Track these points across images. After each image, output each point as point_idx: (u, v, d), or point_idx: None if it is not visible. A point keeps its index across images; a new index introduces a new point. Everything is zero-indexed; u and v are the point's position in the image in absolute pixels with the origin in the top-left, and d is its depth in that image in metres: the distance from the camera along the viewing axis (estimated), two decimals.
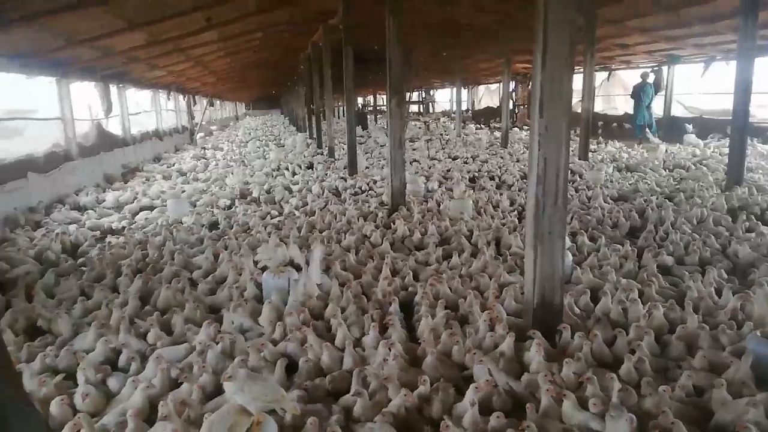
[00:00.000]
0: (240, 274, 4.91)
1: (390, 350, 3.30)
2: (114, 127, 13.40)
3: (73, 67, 9.99)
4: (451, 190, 8.86)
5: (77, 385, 3.11)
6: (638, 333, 3.58)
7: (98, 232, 7.11)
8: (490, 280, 4.72)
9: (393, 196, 7.61)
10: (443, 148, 15.82)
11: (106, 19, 7.67)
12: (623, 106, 20.14)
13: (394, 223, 6.74)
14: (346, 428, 2.78)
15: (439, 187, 9.37)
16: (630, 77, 19.50)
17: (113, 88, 12.80)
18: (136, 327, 3.97)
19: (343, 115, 21.10)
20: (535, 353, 3.27)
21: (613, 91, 21.33)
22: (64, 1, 6.20)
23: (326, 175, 11.20)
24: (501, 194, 8.45)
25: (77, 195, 9.43)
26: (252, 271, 4.96)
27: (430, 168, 11.76)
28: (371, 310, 4.05)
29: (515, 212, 7.50)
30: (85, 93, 11.75)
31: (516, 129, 21.27)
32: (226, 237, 6.23)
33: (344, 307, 4.20)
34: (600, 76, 20.15)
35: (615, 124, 19.44)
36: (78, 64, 10.04)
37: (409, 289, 4.61)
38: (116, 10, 7.36)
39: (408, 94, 23.21)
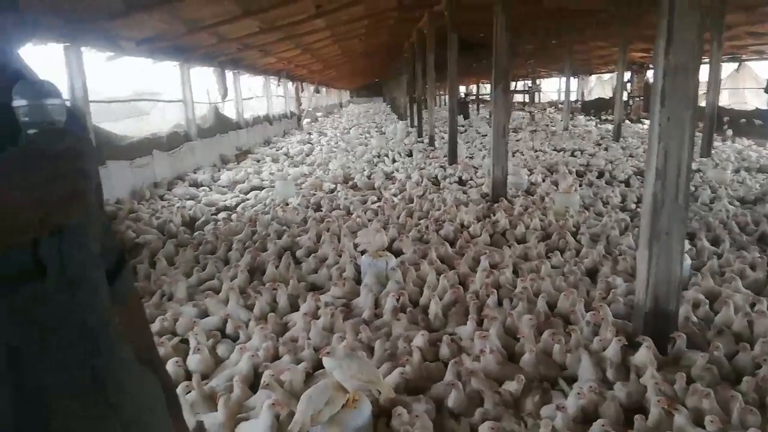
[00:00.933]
0: (340, 256, 5.04)
1: (486, 343, 3.23)
2: (229, 110, 14.21)
3: (194, 53, 10.70)
4: (556, 184, 8.51)
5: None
6: (765, 349, 3.23)
7: (213, 208, 7.60)
8: (596, 279, 4.48)
9: (494, 187, 7.43)
10: (549, 140, 15.21)
11: (223, 6, 8.10)
12: (754, 100, 18.23)
13: (494, 215, 6.59)
14: (437, 419, 2.76)
15: (543, 180, 9.03)
16: (763, 69, 17.62)
17: (229, 74, 13.57)
18: (245, 298, 4.20)
19: (445, 104, 20.90)
20: (645, 360, 3.06)
21: (742, 84, 19.36)
22: None
23: (426, 163, 11.18)
24: (611, 190, 7.98)
25: (195, 173, 10.14)
26: (352, 253, 5.07)
27: (534, 160, 11.37)
28: (468, 302, 3.99)
29: (626, 210, 7.05)
30: (203, 78, 12.58)
31: (629, 122, 19.96)
32: (328, 219, 6.41)
33: (441, 295, 4.18)
34: (728, 68, 18.36)
35: (743, 120, 17.64)
36: (198, 50, 10.74)
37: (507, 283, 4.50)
38: None
39: (513, 83, 22.56)
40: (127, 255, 1.09)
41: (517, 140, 15.06)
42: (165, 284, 4.42)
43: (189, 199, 8.08)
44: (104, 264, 0.94)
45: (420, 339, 3.40)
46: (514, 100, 22.47)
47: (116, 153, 7.97)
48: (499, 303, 4.06)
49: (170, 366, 3.10)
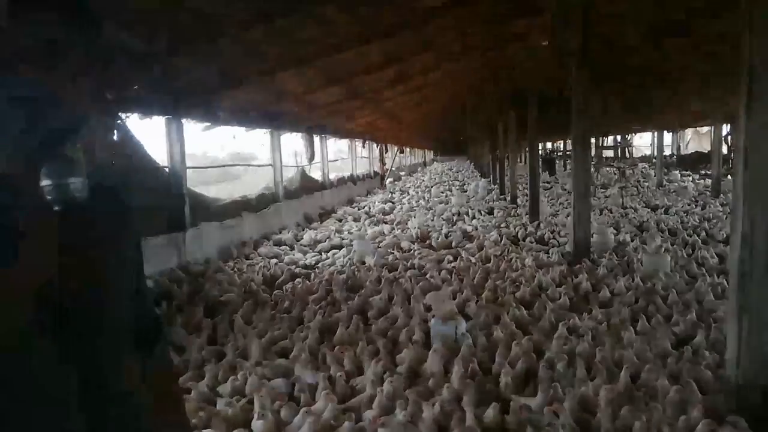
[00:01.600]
0: (411, 317, 4.98)
1: (558, 416, 3.01)
2: (315, 172, 14.86)
3: (283, 120, 11.41)
4: (645, 244, 8.02)
5: None
6: None
7: (293, 267, 7.85)
8: (686, 349, 4.09)
9: (576, 248, 7.13)
10: (640, 197, 14.48)
11: (309, 77, 8.65)
12: None
13: (576, 277, 6.29)
14: None
15: (632, 240, 8.54)
16: None
17: (316, 138, 14.29)
18: (314, 360, 4.23)
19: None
20: None
21: None
22: (276, 62, 7.14)
23: (506, 221, 10.98)
24: (707, 251, 7.39)
25: (280, 233, 10.58)
26: (422, 315, 5.00)
27: (623, 218, 10.83)
28: (541, 370, 3.78)
29: (724, 273, 6.47)
30: (292, 142, 13.33)
31: (731, 177, 18.61)
32: (401, 279, 6.41)
33: (513, 363, 3.99)
34: None
35: None
36: (287, 117, 11.45)
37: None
38: (318, 68, 8.26)
39: (602, 139, 21.94)
40: (164, 324, 1.17)
41: (606, 197, 14.47)
42: (240, 343, 4.55)
43: (272, 258, 8.41)
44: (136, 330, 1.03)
45: (490, 412, 3.24)
46: (603, 156, 21.73)
47: (208, 215, 8.53)
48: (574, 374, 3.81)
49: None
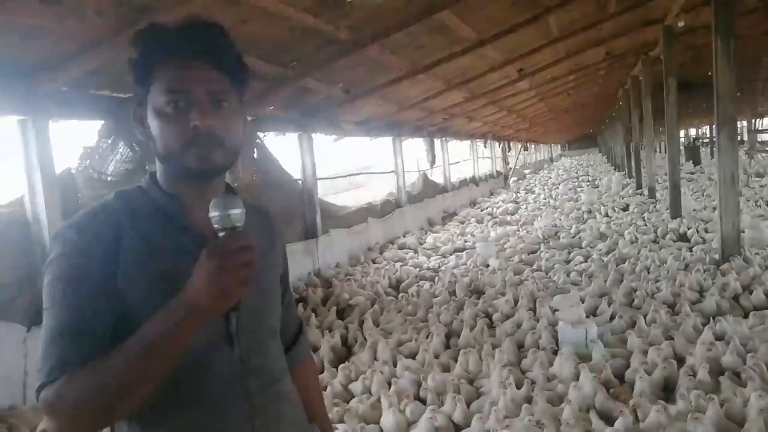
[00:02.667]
0: (537, 321, 4.90)
1: (698, 427, 2.82)
2: (437, 176, 15.01)
3: (405, 127, 11.70)
4: None
5: None
6: None
7: (417, 270, 8.03)
8: None
9: (724, 244, 6.48)
10: None
11: (428, 84, 8.80)
12: None
13: (723, 276, 5.74)
14: None
15: None
16: None
17: (437, 142, 14.43)
18: (440, 362, 4.34)
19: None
20: None
21: None
22: (395, 73, 7.38)
23: (643, 218, 10.25)
24: None
25: (404, 237, 10.86)
26: (550, 319, 4.89)
27: None
28: (681, 378, 3.53)
29: None
30: (413, 147, 13.59)
31: None
32: (526, 281, 6.29)
33: (650, 370, 3.78)
34: None
35: None
36: (408, 124, 11.72)
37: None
38: (437, 74, 8.38)
39: (756, 121, 19.57)
40: (305, 325, 1.41)
41: (762, 187, 12.90)
42: (369, 344, 4.79)
43: (397, 262, 8.67)
44: (284, 332, 1.25)
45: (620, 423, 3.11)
46: (758, 140, 19.35)
47: (337, 222, 9.02)
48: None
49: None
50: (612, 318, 4.96)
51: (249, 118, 6.70)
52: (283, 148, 8.43)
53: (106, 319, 0.94)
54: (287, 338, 1.30)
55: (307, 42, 5.39)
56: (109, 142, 4.95)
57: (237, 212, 0.90)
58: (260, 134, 7.06)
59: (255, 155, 7.03)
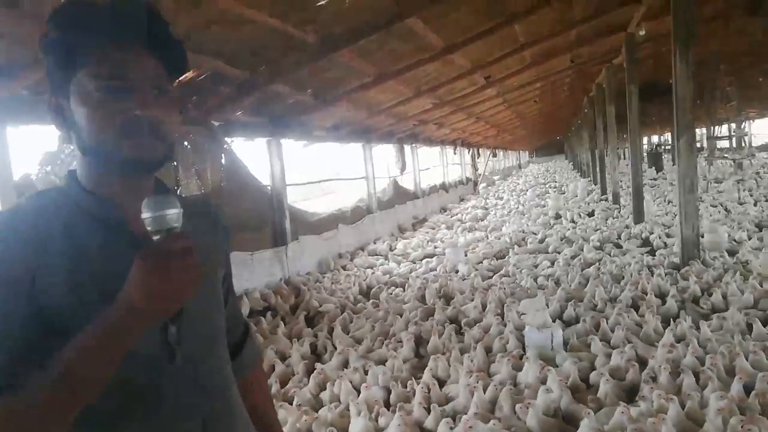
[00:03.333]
0: (504, 326, 4.94)
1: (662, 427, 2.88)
2: (407, 182, 15.07)
3: (375, 133, 11.72)
4: (764, 242, 7.34)
5: None
6: None
7: (388, 277, 8.03)
8: None
9: (683, 248, 6.68)
10: (759, 190, 13.22)
11: (398, 90, 8.85)
12: None
13: (684, 279, 5.91)
14: None
15: (749, 238, 7.84)
16: None
17: (407, 148, 14.50)
18: (409, 368, 4.33)
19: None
20: None
21: None
22: (365, 79, 7.40)
23: (607, 223, 10.49)
24: None
25: (374, 243, 10.85)
26: (516, 324, 4.94)
27: (742, 215, 9.96)
28: (644, 379, 3.61)
29: None
30: (384, 154, 13.62)
31: None
32: (493, 286, 6.36)
33: (614, 373, 3.85)
34: None
35: None
36: (379, 130, 11.75)
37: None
38: (407, 80, 8.43)
39: (714, 128, 20.23)
40: (251, 327, 1.33)
41: (720, 192, 13.35)
42: (338, 351, 4.76)
43: (368, 268, 8.66)
44: (228, 337, 1.14)
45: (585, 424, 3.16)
46: (717, 147, 20.00)
47: (308, 228, 8.96)
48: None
49: None
50: (577, 321, 5.04)
51: (216, 123, 6.61)
52: (252, 153, 8.36)
53: (27, 332, 0.84)
54: (233, 343, 1.20)
55: (275, 46, 5.36)
56: (71, 147, 4.81)
57: (173, 212, 0.82)
58: (228, 139, 6.97)
59: (223, 160, 6.93)
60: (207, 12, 4.18)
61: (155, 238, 0.82)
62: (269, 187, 8.08)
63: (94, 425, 0.87)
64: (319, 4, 4.82)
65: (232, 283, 1.22)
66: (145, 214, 0.82)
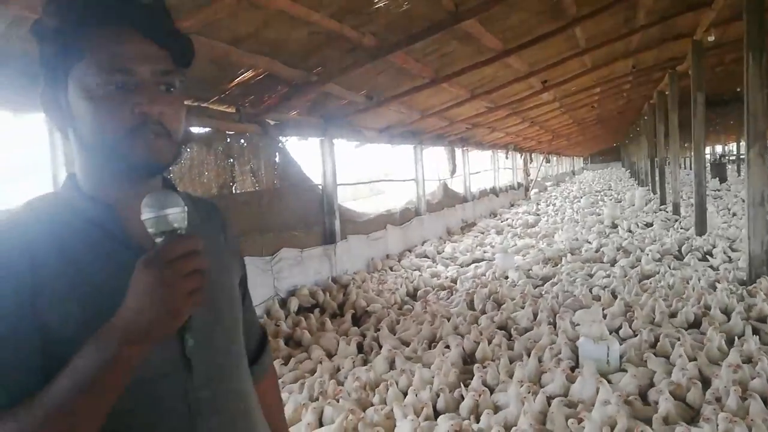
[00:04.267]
0: (556, 336, 4.80)
1: None
2: (457, 185, 14.94)
3: (426, 135, 11.67)
4: None
5: None
6: None
7: (435, 279, 7.96)
8: None
9: (751, 264, 6.31)
10: None
11: (451, 92, 8.77)
12: None
13: (751, 297, 5.58)
14: None
15: None
16: None
17: (458, 151, 14.37)
18: (458, 373, 4.26)
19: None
20: None
21: None
22: (419, 81, 7.37)
23: (667, 234, 10.05)
24: None
25: (422, 245, 10.80)
26: (570, 335, 4.79)
27: None
28: (707, 400, 3.42)
29: None
30: (434, 156, 13.54)
31: None
32: (546, 294, 6.19)
33: (674, 391, 3.66)
34: None
35: None
36: (430, 133, 11.69)
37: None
38: (461, 83, 8.35)
39: None
40: (267, 333, 1.25)
41: None
42: (385, 352, 4.74)
43: (415, 270, 8.61)
44: (246, 343, 1.06)
45: None
46: None
47: (357, 228, 9.00)
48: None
49: None
50: (634, 335, 4.84)
51: (271, 122, 6.73)
52: (304, 152, 8.46)
53: (27, 359, 0.77)
54: (250, 351, 1.12)
55: (332, 47, 5.40)
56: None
57: (176, 211, 0.75)
58: (282, 138, 7.08)
59: (276, 159, 7.06)
60: (266, 12, 4.25)
61: (157, 240, 0.74)
62: (320, 187, 8.16)
63: None
64: (376, 6, 4.83)
65: (247, 287, 1.15)
66: (146, 215, 0.74)
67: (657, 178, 16.99)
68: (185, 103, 0.94)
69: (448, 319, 5.60)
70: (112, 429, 0.79)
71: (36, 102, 3.07)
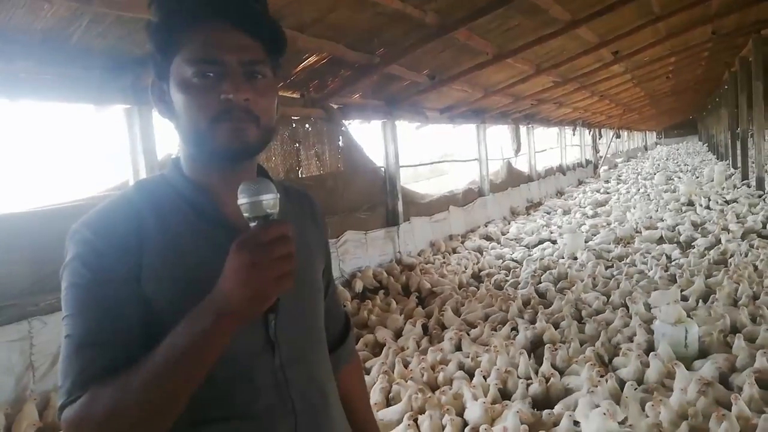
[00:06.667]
0: (630, 318, 4.63)
1: None
2: (521, 164, 14.58)
3: (490, 114, 11.42)
4: None
5: None
6: None
7: (500, 261, 7.84)
8: None
9: None
10: None
11: (516, 68, 8.51)
12: None
13: None
14: None
15: None
16: None
17: (523, 129, 14.00)
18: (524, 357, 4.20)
19: None
20: None
21: None
22: (483, 57, 7.19)
23: (750, 212, 9.42)
24: None
25: (486, 226, 10.65)
26: (644, 317, 4.61)
27: None
28: None
29: None
30: (497, 135, 13.26)
31: None
32: (617, 276, 5.97)
33: (761, 376, 3.46)
34: None
35: None
36: (493, 111, 11.43)
37: None
38: (526, 57, 8.08)
39: None
40: (351, 320, 1.24)
41: None
42: (450, 334, 4.73)
43: (478, 252, 8.52)
44: (329, 330, 1.10)
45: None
46: None
47: (419, 210, 9.00)
48: None
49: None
50: (714, 318, 4.60)
51: (335, 106, 6.79)
52: (366, 135, 8.51)
53: (130, 327, 0.83)
54: (332, 337, 1.16)
55: (394, 28, 5.36)
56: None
57: (269, 198, 0.79)
58: (346, 122, 7.14)
59: (340, 143, 7.13)
60: None
61: (252, 225, 0.79)
62: (383, 169, 8.19)
63: (187, 417, 0.82)
64: None
65: (332, 275, 1.18)
66: (241, 200, 0.79)
67: (738, 152, 15.87)
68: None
69: (514, 301, 5.52)
70: (218, 397, 0.87)
71: (116, 95, 3.22)
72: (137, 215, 0.88)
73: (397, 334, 5.02)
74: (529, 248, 8.63)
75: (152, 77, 0.93)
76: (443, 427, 3.18)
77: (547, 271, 6.67)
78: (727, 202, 10.97)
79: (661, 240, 8.12)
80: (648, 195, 13.38)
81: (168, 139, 4.82)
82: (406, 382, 3.79)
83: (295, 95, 6.13)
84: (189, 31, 0.87)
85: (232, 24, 0.88)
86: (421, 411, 3.38)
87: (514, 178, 13.64)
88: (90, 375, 0.79)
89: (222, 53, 0.86)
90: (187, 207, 0.92)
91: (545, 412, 3.31)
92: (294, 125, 6.31)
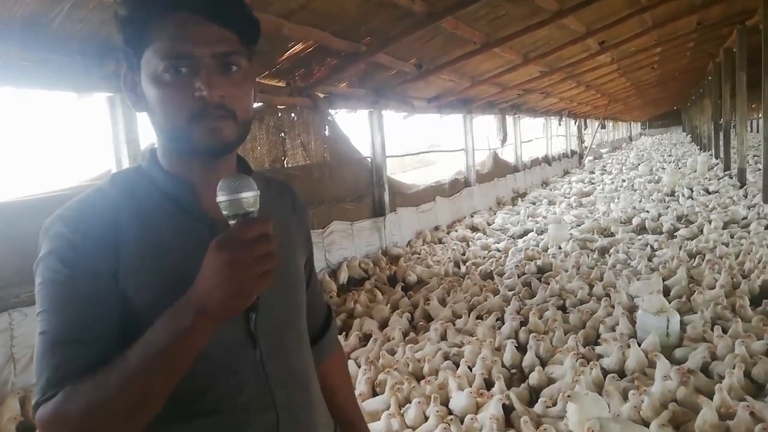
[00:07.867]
0: (612, 307, 4.68)
1: None
2: (507, 155, 14.62)
3: (476, 104, 11.42)
4: None
5: None
6: None
7: (486, 251, 7.88)
8: None
9: None
10: None
11: (503, 57, 8.50)
12: None
13: None
14: None
15: None
16: None
17: (509, 119, 14.02)
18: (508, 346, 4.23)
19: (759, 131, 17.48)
20: None
21: None
22: (470, 47, 7.17)
23: (732, 202, 9.55)
24: None
25: (472, 216, 10.69)
26: (626, 306, 4.66)
27: None
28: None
29: None
30: (484, 125, 13.27)
31: None
32: (601, 266, 6.03)
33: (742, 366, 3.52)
34: None
35: None
36: (480, 101, 11.43)
37: None
38: (513, 47, 8.07)
39: None
40: (333, 311, 1.24)
41: None
42: (435, 324, 4.75)
43: (464, 242, 8.55)
44: (310, 322, 1.09)
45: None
46: None
47: (406, 200, 8.99)
48: None
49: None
50: (695, 308, 4.67)
51: (321, 95, 6.74)
52: (353, 125, 8.46)
53: (106, 324, 0.82)
54: (314, 329, 1.14)
55: (382, 16, 5.31)
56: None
57: (249, 195, 0.77)
58: (332, 111, 7.09)
59: (326, 133, 7.08)
60: None
61: (231, 223, 0.77)
62: (369, 159, 8.16)
63: (167, 412, 0.81)
64: None
65: (314, 267, 1.17)
66: (220, 198, 0.77)
67: (721, 143, 16.07)
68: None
69: (499, 291, 5.55)
70: (199, 391, 0.86)
71: (98, 82, 3.14)
72: (113, 209, 0.86)
73: (383, 325, 5.02)
74: (514, 238, 8.68)
75: (124, 68, 0.91)
76: (428, 417, 3.20)
77: (532, 261, 6.71)
78: (710, 193, 11.12)
79: (643, 230, 8.21)
80: (632, 186, 13.51)
81: (151, 128, 4.74)
82: (391, 372, 3.80)
83: (280, 84, 6.07)
84: (158, 24, 0.84)
85: (203, 15, 0.84)
86: (407, 401, 3.39)
87: (500, 169, 13.68)
88: (65, 372, 0.78)
89: (193, 47, 0.83)
90: (168, 202, 0.90)
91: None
92: (279, 114, 6.25)
